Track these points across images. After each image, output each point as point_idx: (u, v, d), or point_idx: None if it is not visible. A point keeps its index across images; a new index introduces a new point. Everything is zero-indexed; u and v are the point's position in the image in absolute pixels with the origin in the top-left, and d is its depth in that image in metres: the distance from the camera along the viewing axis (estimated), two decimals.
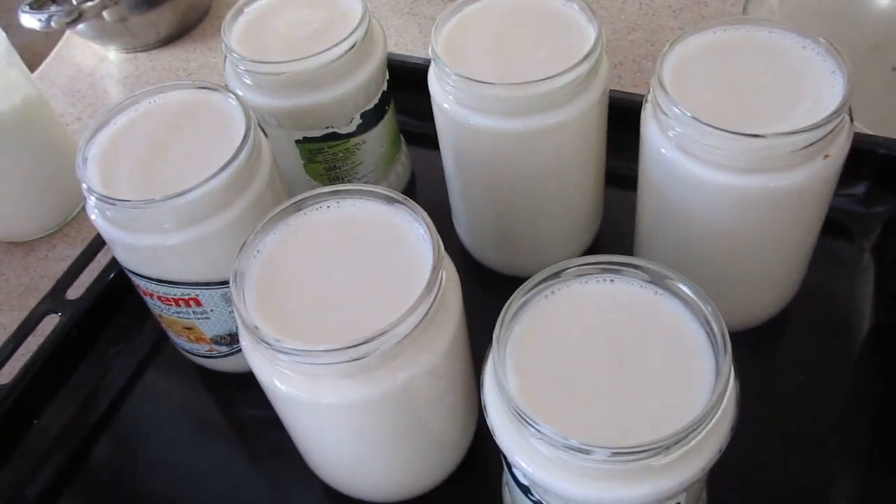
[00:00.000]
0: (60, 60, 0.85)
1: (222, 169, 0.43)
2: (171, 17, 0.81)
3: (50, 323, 0.56)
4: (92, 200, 0.45)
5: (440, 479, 0.47)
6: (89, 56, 0.85)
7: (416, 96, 0.57)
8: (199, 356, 0.53)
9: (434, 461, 0.46)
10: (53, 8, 0.73)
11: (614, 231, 0.58)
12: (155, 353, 0.57)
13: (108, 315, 0.58)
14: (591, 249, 0.57)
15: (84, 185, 0.44)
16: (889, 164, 0.54)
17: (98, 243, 0.59)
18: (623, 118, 0.50)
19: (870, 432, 0.47)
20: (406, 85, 0.60)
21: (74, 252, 0.65)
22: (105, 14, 0.78)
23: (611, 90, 0.50)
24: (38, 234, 0.67)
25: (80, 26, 0.78)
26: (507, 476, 0.43)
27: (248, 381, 0.52)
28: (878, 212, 0.55)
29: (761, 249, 0.45)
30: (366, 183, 0.59)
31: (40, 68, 0.85)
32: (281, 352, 0.36)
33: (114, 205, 0.43)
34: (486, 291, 0.57)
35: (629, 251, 0.55)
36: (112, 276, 0.57)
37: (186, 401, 0.56)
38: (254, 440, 0.53)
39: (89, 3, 0.75)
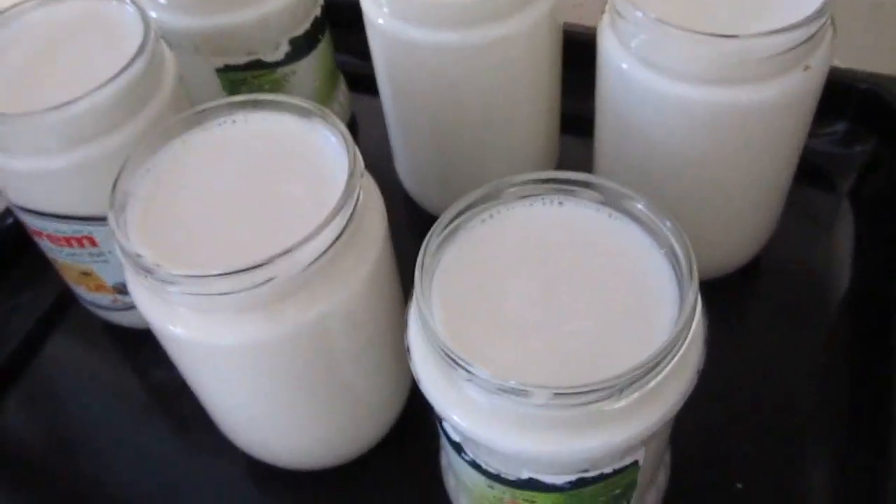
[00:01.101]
0: None
1: (113, 79, 0.37)
2: None
3: None
4: None
5: (369, 445, 0.41)
6: None
7: (361, 35, 0.52)
8: (102, 308, 0.47)
9: (361, 423, 0.40)
10: None
11: None
12: (57, 310, 0.51)
13: (2, 267, 0.51)
14: None
15: None
16: (871, 99, 0.49)
17: None
18: (582, 56, 0.45)
19: (846, 387, 0.43)
20: (350, 24, 0.54)
21: None
22: None
23: (568, 23, 0.45)
24: None
25: None
26: (442, 437, 0.37)
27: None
28: (857, 152, 0.51)
29: (731, 180, 0.40)
30: None
31: None
32: (165, 281, 0.30)
33: None
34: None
35: None
36: (9, 221, 0.51)
37: (93, 363, 0.49)
38: (169, 406, 0.47)
39: None
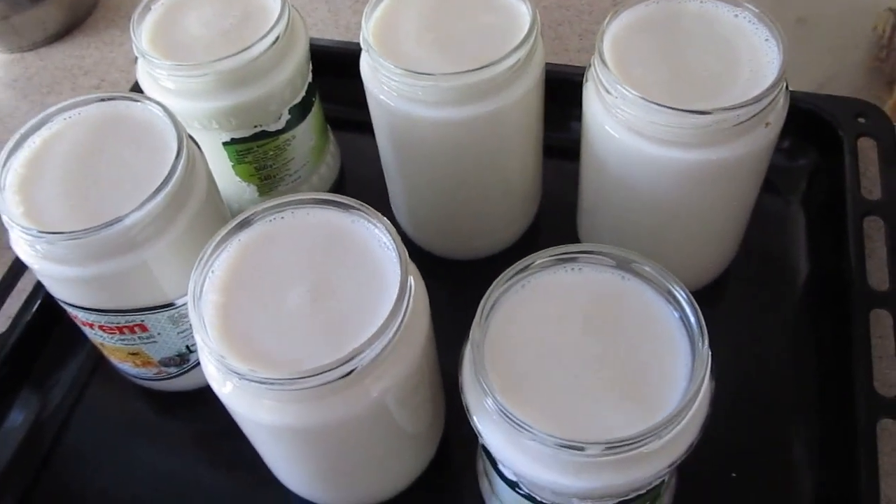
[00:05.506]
0: None
1: (158, 190, 0.40)
2: (58, 11, 0.76)
3: None
4: (16, 233, 0.41)
5: (419, 473, 0.46)
6: None
7: (338, 80, 0.55)
8: (145, 380, 0.51)
9: (410, 457, 0.45)
10: None
11: (555, 204, 0.58)
12: (96, 378, 0.54)
13: (40, 345, 0.54)
14: (535, 226, 0.57)
15: (5, 217, 0.41)
16: (811, 118, 0.56)
17: (15, 272, 0.55)
18: (553, 90, 0.50)
19: (815, 372, 0.49)
20: (327, 70, 0.58)
21: None
22: None
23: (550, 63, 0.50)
24: None
25: None
26: (484, 466, 0.43)
27: (196, 396, 0.50)
28: (802, 165, 0.57)
29: (706, 216, 0.46)
30: (298, 178, 0.57)
31: None
32: (256, 381, 0.34)
33: (43, 237, 0.40)
34: (433, 277, 0.57)
35: (572, 224, 0.55)
36: (38, 304, 0.54)
37: (137, 424, 0.53)
38: (215, 454, 0.51)
39: None
